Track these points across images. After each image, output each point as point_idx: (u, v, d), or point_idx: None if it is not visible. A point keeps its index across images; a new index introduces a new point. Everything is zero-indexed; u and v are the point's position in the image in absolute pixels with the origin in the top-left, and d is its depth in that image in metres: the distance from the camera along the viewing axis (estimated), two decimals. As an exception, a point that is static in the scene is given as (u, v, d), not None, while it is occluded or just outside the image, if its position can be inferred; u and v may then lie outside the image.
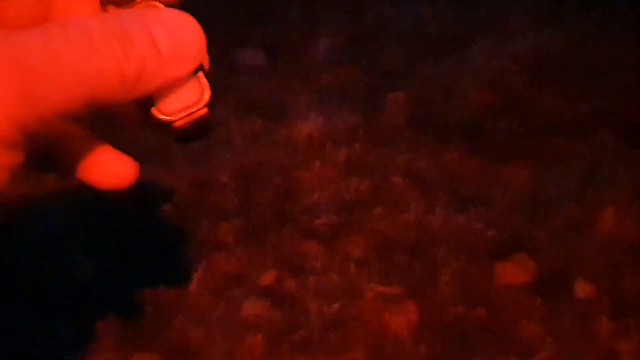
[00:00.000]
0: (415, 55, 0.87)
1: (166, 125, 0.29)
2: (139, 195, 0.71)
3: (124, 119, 0.31)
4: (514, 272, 0.66)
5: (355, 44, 0.89)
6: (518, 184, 0.73)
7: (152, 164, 0.72)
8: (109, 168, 0.31)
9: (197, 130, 0.29)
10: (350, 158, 0.76)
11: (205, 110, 0.29)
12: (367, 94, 0.83)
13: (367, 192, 0.73)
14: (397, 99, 0.82)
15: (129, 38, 0.25)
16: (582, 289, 0.64)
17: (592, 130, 0.78)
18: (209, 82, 0.29)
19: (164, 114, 0.28)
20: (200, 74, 0.28)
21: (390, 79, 0.85)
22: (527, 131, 0.79)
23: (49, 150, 0.30)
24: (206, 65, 0.29)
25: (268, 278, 0.65)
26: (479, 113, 0.81)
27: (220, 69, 0.86)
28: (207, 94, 0.29)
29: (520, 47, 0.88)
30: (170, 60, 0.27)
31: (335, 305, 0.63)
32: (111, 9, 0.29)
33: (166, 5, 0.30)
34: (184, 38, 0.27)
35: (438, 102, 0.82)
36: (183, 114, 0.28)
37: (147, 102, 0.28)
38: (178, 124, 0.29)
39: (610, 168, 0.74)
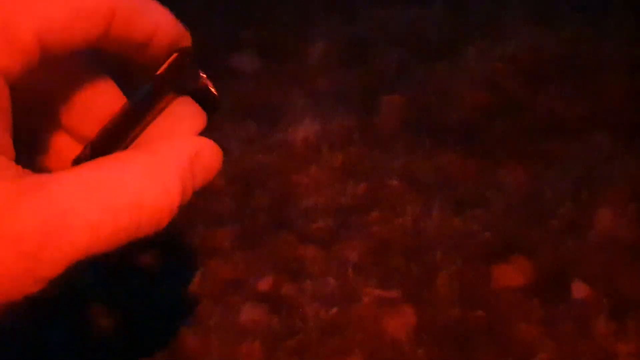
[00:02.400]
0: (411, 58, 0.87)
1: None
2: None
3: None
4: (511, 274, 0.66)
5: (350, 47, 0.89)
6: (514, 185, 0.73)
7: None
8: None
9: None
10: (346, 162, 0.76)
11: None
12: (363, 97, 0.83)
13: (363, 196, 0.73)
14: (392, 101, 0.82)
15: (186, 178, 0.29)
16: (579, 290, 0.64)
17: (587, 131, 0.78)
18: None
19: None
20: None
21: (386, 81, 0.85)
22: (522, 132, 0.79)
23: None
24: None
25: (265, 283, 0.65)
26: (474, 115, 0.81)
27: (215, 73, 0.86)
28: None
29: (515, 48, 0.88)
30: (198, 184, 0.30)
31: (333, 310, 0.63)
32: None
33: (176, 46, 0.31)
34: (212, 173, 0.29)
35: (433, 105, 0.82)
36: None
37: None
38: None
39: (606, 169, 0.74)
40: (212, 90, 0.30)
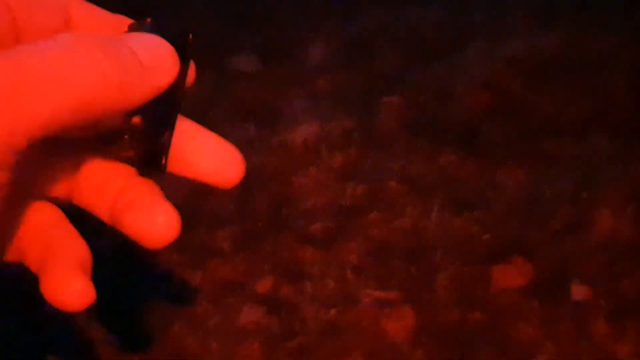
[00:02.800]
0: (410, 59, 0.87)
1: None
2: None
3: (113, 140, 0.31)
4: (510, 276, 0.66)
5: (349, 48, 0.89)
6: (514, 186, 0.73)
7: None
8: (151, 220, 0.32)
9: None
10: (345, 163, 0.76)
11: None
12: (362, 98, 0.83)
13: (362, 197, 0.73)
14: (392, 103, 0.82)
15: (110, 46, 0.27)
16: (579, 291, 0.64)
17: (587, 132, 0.78)
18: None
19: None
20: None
21: (385, 83, 0.85)
22: (522, 133, 0.79)
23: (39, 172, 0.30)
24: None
25: (265, 285, 0.65)
26: (474, 116, 0.81)
27: (214, 74, 0.86)
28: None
29: (514, 49, 0.88)
30: (149, 70, 0.28)
31: (332, 311, 0.63)
32: None
33: None
34: (160, 51, 0.29)
35: (433, 106, 0.82)
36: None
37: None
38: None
39: (605, 169, 0.74)
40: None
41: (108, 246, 0.68)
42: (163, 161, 0.30)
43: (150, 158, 0.30)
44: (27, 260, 0.30)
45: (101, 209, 0.31)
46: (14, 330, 0.62)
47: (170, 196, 0.74)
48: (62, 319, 0.63)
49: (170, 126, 0.30)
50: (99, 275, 0.66)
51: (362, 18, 0.93)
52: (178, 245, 0.68)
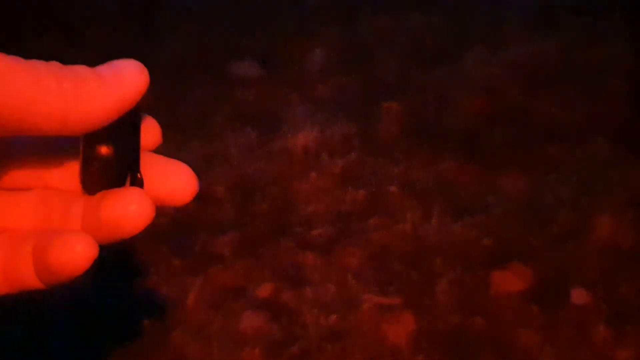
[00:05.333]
0: (410, 65, 0.88)
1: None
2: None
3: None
4: (510, 281, 0.66)
5: (349, 54, 0.90)
6: (514, 191, 0.74)
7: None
8: (124, 207, 0.31)
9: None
10: (345, 168, 0.76)
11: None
12: (362, 104, 0.83)
13: (363, 202, 0.73)
14: (392, 108, 0.82)
15: (68, 67, 0.27)
16: (578, 296, 0.65)
17: (587, 137, 0.78)
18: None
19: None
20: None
21: (385, 88, 0.85)
22: (522, 139, 0.79)
23: None
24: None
25: (265, 290, 0.66)
26: (473, 121, 0.81)
27: (214, 81, 0.86)
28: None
29: (514, 55, 0.88)
30: (109, 83, 0.27)
31: (333, 317, 0.63)
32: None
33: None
34: (125, 69, 0.28)
35: (433, 111, 0.82)
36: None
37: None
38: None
39: (605, 175, 0.74)
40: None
41: (108, 252, 0.68)
42: (140, 175, 0.30)
43: (117, 184, 0.30)
44: None
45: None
46: (16, 338, 0.62)
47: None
48: (64, 327, 0.63)
49: (137, 151, 0.30)
50: (100, 283, 0.66)
51: (363, 24, 0.94)
52: (179, 250, 0.69)
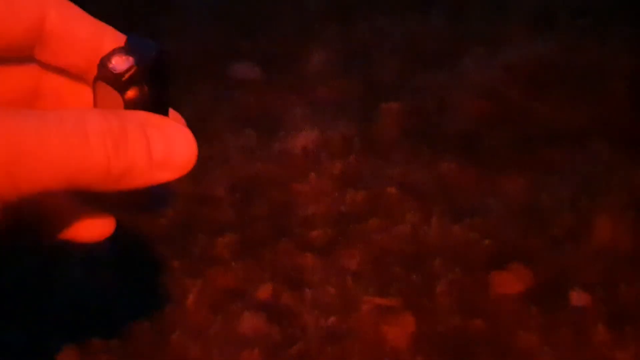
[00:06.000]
0: (409, 67, 0.88)
1: None
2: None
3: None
4: (510, 282, 0.66)
5: (349, 56, 0.90)
6: (513, 193, 0.74)
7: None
8: (89, 230, 0.31)
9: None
10: (345, 170, 0.76)
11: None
12: (362, 105, 0.83)
13: (362, 204, 0.73)
14: (391, 110, 0.83)
15: (124, 138, 0.26)
16: (578, 298, 0.65)
17: (586, 139, 0.78)
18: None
19: None
20: None
21: (385, 90, 0.85)
22: (521, 141, 0.79)
23: (29, 220, 0.30)
24: None
25: (265, 292, 0.66)
26: (473, 123, 0.81)
27: (215, 83, 0.86)
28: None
29: (513, 57, 0.88)
30: (160, 165, 0.28)
31: (332, 318, 0.63)
32: (101, 85, 0.30)
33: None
34: (178, 147, 0.29)
35: (432, 113, 0.82)
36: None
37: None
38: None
39: (604, 176, 0.74)
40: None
41: (108, 254, 0.68)
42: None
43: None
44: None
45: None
46: (16, 341, 0.62)
47: (170, 204, 0.74)
48: (64, 330, 0.63)
49: (167, 96, 0.31)
50: (100, 285, 0.66)
51: (362, 26, 0.94)
52: (178, 252, 0.69)
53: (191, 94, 0.84)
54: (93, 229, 0.31)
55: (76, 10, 0.32)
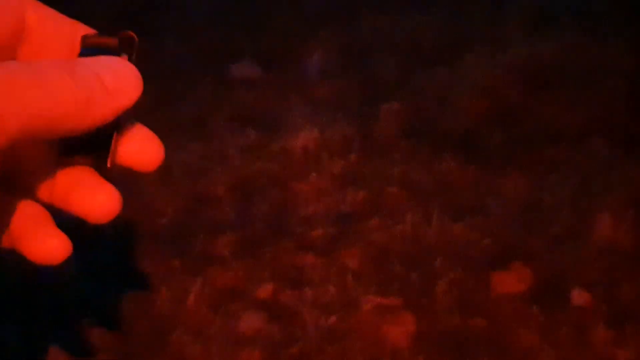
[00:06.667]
0: (410, 66, 0.88)
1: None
2: (135, 210, 0.71)
3: None
4: (510, 281, 0.66)
5: (349, 55, 0.90)
6: (513, 192, 0.74)
7: (147, 179, 0.72)
8: (93, 198, 0.34)
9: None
10: (345, 169, 0.76)
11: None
12: (362, 104, 0.83)
13: (362, 203, 0.73)
14: (391, 109, 0.82)
15: (78, 73, 0.31)
16: (578, 297, 0.65)
17: (586, 138, 0.78)
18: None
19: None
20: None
21: (385, 89, 0.85)
22: (521, 140, 0.79)
23: (10, 169, 0.33)
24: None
25: (265, 291, 0.65)
26: (473, 122, 0.81)
27: (215, 82, 0.86)
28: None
29: (514, 56, 0.88)
30: (114, 92, 0.32)
31: (333, 318, 0.63)
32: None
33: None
34: (124, 75, 0.32)
35: (433, 112, 0.82)
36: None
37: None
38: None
39: (604, 175, 0.74)
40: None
41: (108, 254, 0.68)
42: (109, 164, 0.33)
43: (98, 160, 0.33)
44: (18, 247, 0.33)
45: (42, 191, 0.35)
46: (13, 340, 0.62)
47: (170, 203, 0.74)
48: (62, 329, 0.63)
49: (118, 129, 0.33)
50: (99, 284, 0.66)
51: (362, 25, 0.94)
52: (178, 251, 0.69)
53: (191, 93, 0.84)
54: (97, 203, 0.34)
55: (50, 10, 0.35)
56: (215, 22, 0.94)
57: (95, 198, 0.34)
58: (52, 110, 0.29)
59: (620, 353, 0.60)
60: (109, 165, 0.34)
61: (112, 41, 0.34)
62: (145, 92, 0.32)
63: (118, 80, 0.32)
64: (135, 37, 0.34)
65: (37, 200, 0.34)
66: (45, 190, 0.35)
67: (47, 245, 0.34)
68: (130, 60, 0.34)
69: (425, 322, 0.63)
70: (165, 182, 0.74)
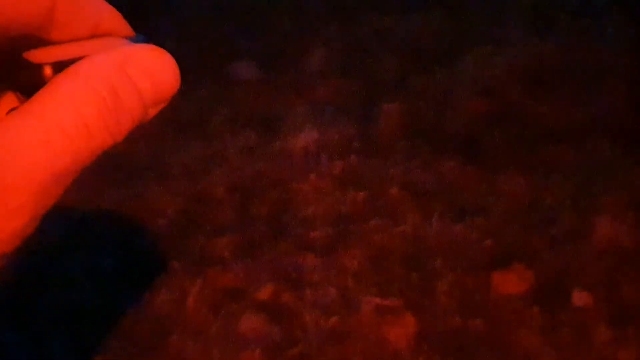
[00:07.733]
0: (410, 67, 0.87)
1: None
2: (135, 211, 0.71)
3: None
4: (511, 282, 0.66)
5: (349, 55, 0.89)
6: (514, 193, 0.73)
7: (147, 180, 0.72)
8: None
9: None
10: (345, 170, 0.76)
11: None
12: (362, 105, 0.83)
13: (363, 204, 0.73)
14: (391, 110, 0.82)
15: (120, 105, 0.26)
16: (579, 297, 0.64)
17: (587, 138, 0.78)
18: None
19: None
20: None
21: (385, 90, 0.85)
22: (522, 140, 0.79)
23: None
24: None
25: (265, 292, 0.65)
26: (474, 123, 0.81)
27: (215, 82, 0.86)
28: None
29: (514, 56, 0.88)
30: (151, 107, 0.28)
31: (333, 319, 0.63)
32: None
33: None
34: (165, 83, 0.28)
35: (433, 113, 0.82)
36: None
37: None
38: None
39: (605, 176, 0.74)
40: None
41: (108, 255, 0.68)
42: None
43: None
44: None
45: None
46: (12, 343, 0.62)
47: (170, 203, 0.74)
48: (63, 330, 0.63)
49: None
50: (100, 286, 0.66)
51: (362, 25, 0.94)
52: (178, 253, 0.69)
53: (191, 93, 0.84)
54: None
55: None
56: (215, 23, 0.94)
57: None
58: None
59: (621, 353, 0.60)
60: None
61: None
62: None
63: (158, 92, 0.29)
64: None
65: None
66: None
67: None
68: None
69: (425, 323, 0.63)
70: (164, 184, 0.74)
